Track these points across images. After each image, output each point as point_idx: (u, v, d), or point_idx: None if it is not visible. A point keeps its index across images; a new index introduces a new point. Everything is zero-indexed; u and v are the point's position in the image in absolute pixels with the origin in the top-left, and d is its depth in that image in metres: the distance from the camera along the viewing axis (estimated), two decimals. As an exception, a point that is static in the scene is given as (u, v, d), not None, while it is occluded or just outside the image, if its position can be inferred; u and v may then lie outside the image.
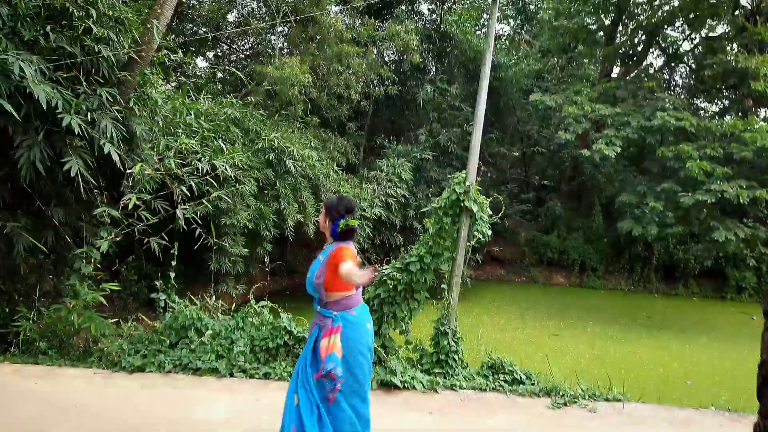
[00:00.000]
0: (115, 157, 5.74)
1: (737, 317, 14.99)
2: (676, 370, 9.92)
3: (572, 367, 9.70)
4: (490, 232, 5.68)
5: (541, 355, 10.22)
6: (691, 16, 17.18)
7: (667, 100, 16.18)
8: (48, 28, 5.50)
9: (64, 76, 5.56)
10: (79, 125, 5.34)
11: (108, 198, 6.58)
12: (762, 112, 18.76)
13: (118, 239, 5.94)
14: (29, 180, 5.43)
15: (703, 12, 16.48)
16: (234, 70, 11.98)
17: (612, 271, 18.63)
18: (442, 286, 5.61)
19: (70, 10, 5.69)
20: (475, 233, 5.59)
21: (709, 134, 14.59)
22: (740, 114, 18.09)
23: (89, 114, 5.65)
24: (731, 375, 9.69)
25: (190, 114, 8.19)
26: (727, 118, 18.32)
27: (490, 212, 5.81)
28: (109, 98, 5.89)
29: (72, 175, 5.45)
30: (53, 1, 5.59)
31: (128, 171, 6.09)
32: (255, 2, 15.87)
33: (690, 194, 13.56)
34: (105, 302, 5.77)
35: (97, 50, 5.79)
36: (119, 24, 6.33)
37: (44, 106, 5.00)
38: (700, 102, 20.51)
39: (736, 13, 17.64)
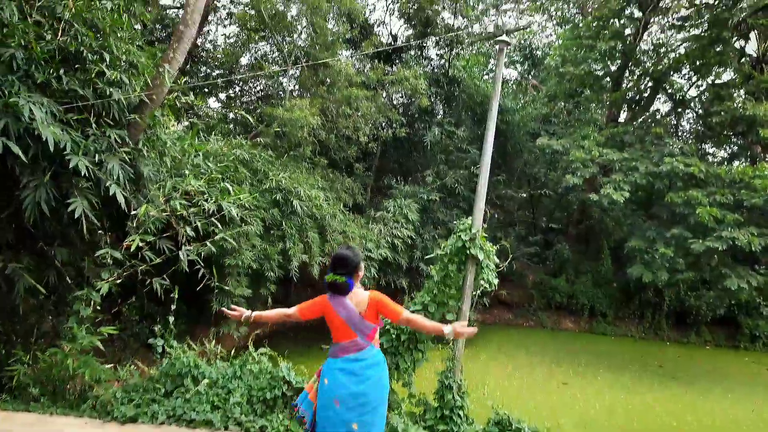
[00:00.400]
0: (121, 199, 5.73)
1: (750, 368, 14.56)
2: (690, 424, 9.58)
3: (582, 419, 9.40)
4: (496, 281, 5.56)
5: (549, 404, 9.92)
6: (697, 63, 17.36)
7: (674, 145, 16.19)
8: (61, 71, 5.59)
9: (75, 118, 5.61)
10: (86, 167, 5.35)
11: (113, 238, 6.55)
12: (771, 159, 18.65)
13: (119, 281, 5.87)
14: (33, 220, 5.41)
15: (709, 60, 16.65)
16: (243, 113, 12.18)
17: (622, 316, 18.25)
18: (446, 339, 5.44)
19: (84, 53, 5.80)
20: (482, 281, 5.47)
21: (718, 180, 14.50)
22: (749, 160, 18.04)
23: (97, 155, 5.68)
24: (747, 430, 9.34)
25: (199, 155, 8.24)
26: (736, 163, 18.30)
27: (497, 260, 5.70)
28: (118, 140, 5.92)
29: (76, 216, 5.43)
30: (68, 45, 5.71)
31: (133, 212, 6.07)
32: (268, 46, 16.27)
33: (700, 241, 13.39)
34: (104, 345, 5.66)
35: (108, 93, 5.87)
36: (132, 67, 6.44)
37: (52, 148, 5.03)
38: (709, 147, 20.51)
39: (743, 61, 17.85)
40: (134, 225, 6.24)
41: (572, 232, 21.91)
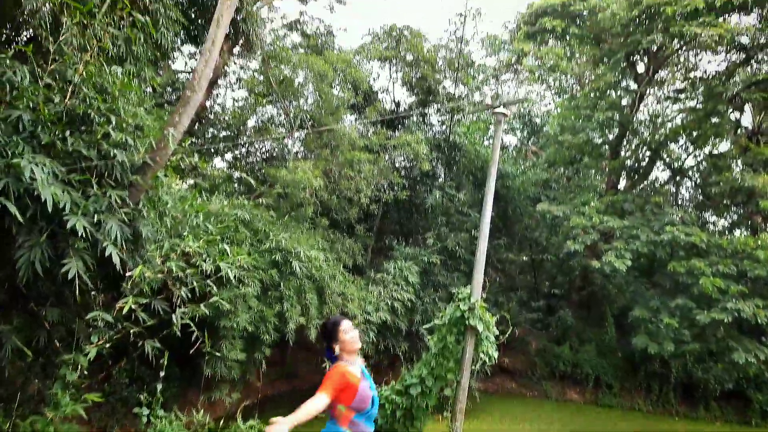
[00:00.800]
0: (116, 260, 5.66)
1: (765, 448, 13.91)
2: None
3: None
4: (496, 354, 5.39)
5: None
6: (694, 134, 17.70)
7: (675, 214, 16.24)
8: (67, 132, 5.65)
9: (77, 178, 5.62)
10: (84, 227, 5.31)
11: (108, 298, 6.44)
12: (772, 229, 18.62)
13: (108, 345, 5.71)
14: (26, 280, 5.32)
15: (705, 131, 16.98)
16: (245, 176, 12.36)
17: (628, 388, 17.59)
18: (445, 414, 5.21)
19: (92, 115, 5.90)
20: (481, 354, 5.30)
21: (720, 250, 14.41)
22: (750, 229, 18.02)
23: (96, 215, 5.65)
24: None
25: (199, 216, 8.25)
26: (737, 233, 18.27)
27: (497, 331, 5.55)
28: (118, 201, 5.90)
29: (69, 278, 5.34)
30: (75, 108, 5.82)
31: (128, 274, 5.99)
32: (274, 110, 16.71)
33: (705, 312, 13.14)
34: (90, 410, 5.44)
35: (112, 155, 5.91)
36: (138, 129, 6.53)
37: (50, 209, 5.01)
38: (709, 215, 20.53)
39: (739, 132, 18.20)
40: (129, 286, 6.15)
41: (575, 298, 21.56)
